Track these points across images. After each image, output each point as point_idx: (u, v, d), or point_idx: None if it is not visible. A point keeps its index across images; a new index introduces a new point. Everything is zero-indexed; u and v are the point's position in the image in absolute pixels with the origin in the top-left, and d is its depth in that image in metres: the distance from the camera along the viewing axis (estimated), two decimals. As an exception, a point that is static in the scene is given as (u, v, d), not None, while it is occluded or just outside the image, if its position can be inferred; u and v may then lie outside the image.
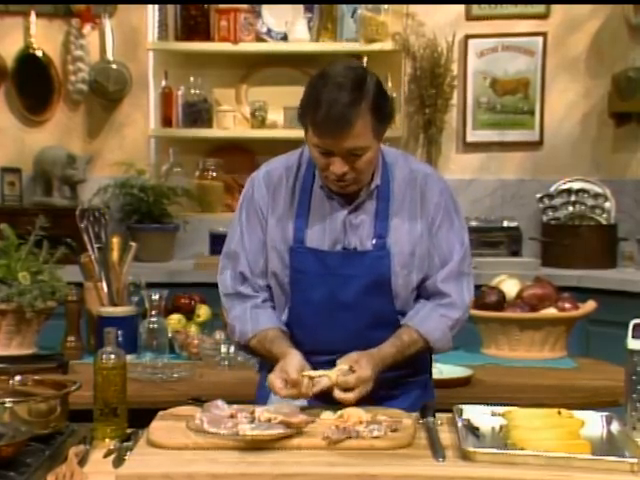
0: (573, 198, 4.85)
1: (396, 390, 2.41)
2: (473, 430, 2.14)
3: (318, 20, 5.00)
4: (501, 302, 3.32)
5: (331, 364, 2.27)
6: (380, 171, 2.38)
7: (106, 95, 4.97)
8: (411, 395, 2.43)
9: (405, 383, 2.43)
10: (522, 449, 1.99)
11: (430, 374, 2.57)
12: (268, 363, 2.38)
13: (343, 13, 4.94)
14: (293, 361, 2.24)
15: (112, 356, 2.17)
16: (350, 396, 2.21)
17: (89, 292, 3.27)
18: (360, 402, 2.23)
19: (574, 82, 5.00)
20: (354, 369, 2.22)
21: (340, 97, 2.17)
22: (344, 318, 2.35)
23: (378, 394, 2.30)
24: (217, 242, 4.80)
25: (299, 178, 2.40)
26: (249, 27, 4.94)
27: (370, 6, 4.89)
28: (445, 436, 2.13)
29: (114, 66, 4.97)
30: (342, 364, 2.24)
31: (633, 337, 2.17)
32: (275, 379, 2.22)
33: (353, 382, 2.21)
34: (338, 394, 2.21)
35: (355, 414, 2.14)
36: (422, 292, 2.42)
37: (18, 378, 2.28)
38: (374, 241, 2.35)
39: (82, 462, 1.96)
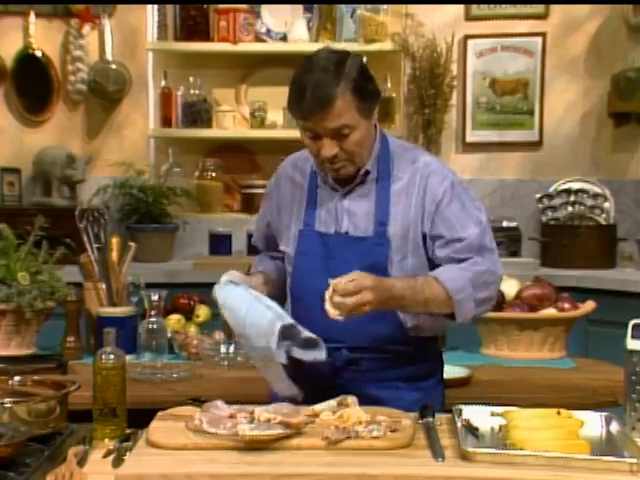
0: (572, 198, 4.85)
1: (398, 391, 2.40)
2: (472, 430, 2.14)
3: (317, 20, 5.00)
4: (500, 302, 3.32)
5: (334, 350, 2.30)
6: (377, 157, 2.39)
7: (105, 95, 4.97)
8: (412, 397, 2.41)
9: (408, 388, 2.42)
10: (521, 449, 1.99)
11: (441, 379, 2.55)
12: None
13: (342, 13, 4.93)
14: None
15: (111, 356, 2.17)
16: (348, 301, 2.14)
17: (88, 292, 3.27)
18: (361, 402, 2.23)
19: (573, 82, 5.00)
20: (353, 278, 2.18)
21: (320, 79, 2.24)
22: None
23: (379, 392, 2.33)
24: (216, 242, 4.82)
25: (309, 167, 2.47)
26: (248, 27, 4.94)
27: (369, 6, 4.89)
28: (444, 436, 2.13)
29: (113, 66, 4.97)
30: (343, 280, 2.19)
31: (632, 337, 2.17)
32: None
33: (353, 288, 2.15)
34: (331, 306, 2.17)
35: (355, 414, 2.14)
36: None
37: (17, 378, 2.28)
38: (375, 228, 2.36)
39: (81, 462, 1.96)
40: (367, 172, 2.38)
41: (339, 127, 2.25)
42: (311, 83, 2.24)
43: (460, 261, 2.34)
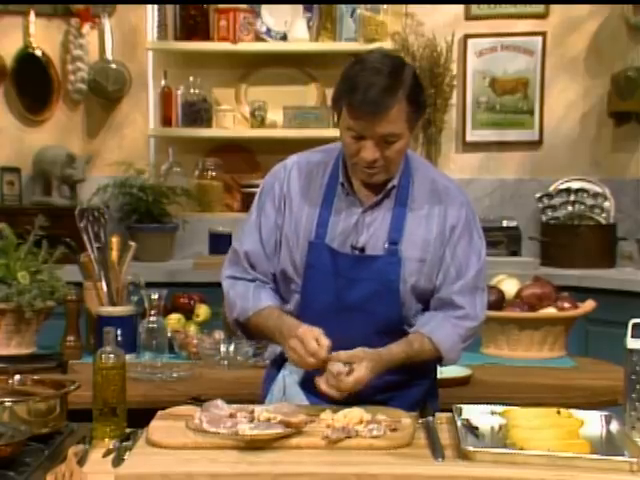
0: (572, 198, 4.85)
1: (396, 392, 2.40)
2: (472, 430, 2.14)
3: (317, 20, 5.00)
4: (500, 302, 3.32)
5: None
6: (401, 173, 2.35)
7: (105, 95, 4.97)
8: (410, 397, 2.41)
9: (407, 386, 2.42)
10: (521, 448, 1.99)
11: (435, 378, 2.55)
12: (272, 345, 2.46)
13: (342, 13, 4.93)
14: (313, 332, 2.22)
15: (111, 356, 2.17)
16: (337, 394, 2.20)
17: (88, 292, 3.27)
18: (359, 402, 2.23)
19: (573, 82, 5.00)
20: (352, 367, 2.20)
21: (377, 81, 2.18)
22: (350, 321, 2.31)
23: (377, 396, 2.31)
24: (216, 242, 4.81)
25: (326, 174, 2.38)
26: (248, 27, 4.94)
27: (369, 6, 4.89)
28: (444, 436, 2.13)
29: (113, 66, 4.96)
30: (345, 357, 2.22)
31: (632, 336, 2.17)
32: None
33: (348, 386, 2.19)
34: (326, 388, 2.20)
35: (355, 414, 2.14)
36: (434, 303, 2.39)
37: (17, 378, 2.28)
38: (387, 246, 2.32)
39: (81, 462, 1.96)
40: (394, 187, 2.34)
41: (388, 134, 2.20)
42: (365, 83, 2.17)
43: (451, 306, 2.37)
